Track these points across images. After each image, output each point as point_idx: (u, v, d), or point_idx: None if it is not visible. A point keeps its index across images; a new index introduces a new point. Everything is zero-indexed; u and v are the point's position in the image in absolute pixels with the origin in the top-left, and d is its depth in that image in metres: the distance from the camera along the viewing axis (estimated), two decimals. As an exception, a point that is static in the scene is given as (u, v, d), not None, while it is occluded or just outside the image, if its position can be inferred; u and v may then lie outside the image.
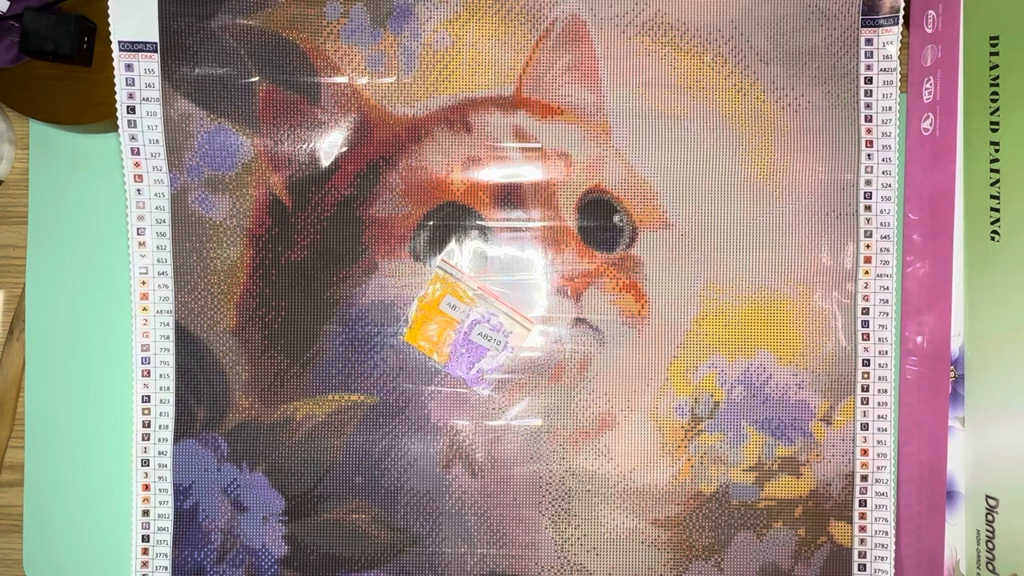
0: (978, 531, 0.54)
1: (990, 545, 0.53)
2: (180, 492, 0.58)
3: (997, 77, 0.52)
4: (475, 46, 0.58)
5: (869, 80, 0.57)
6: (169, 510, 0.58)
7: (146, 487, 0.59)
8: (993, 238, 0.53)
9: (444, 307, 0.57)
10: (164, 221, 0.58)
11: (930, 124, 0.56)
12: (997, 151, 0.53)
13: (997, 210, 0.53)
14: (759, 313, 0.58)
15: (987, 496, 0.53)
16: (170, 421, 0.58)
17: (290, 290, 0.58)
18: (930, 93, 0.56)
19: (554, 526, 0.58)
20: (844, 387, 0.58)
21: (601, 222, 0.58)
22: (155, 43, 0.57)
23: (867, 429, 0.58)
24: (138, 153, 0.57)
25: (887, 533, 0.58)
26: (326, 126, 0.57)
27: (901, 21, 0.56)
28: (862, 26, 0.57)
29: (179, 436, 0.58)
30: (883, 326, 0.58)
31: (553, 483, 0.58)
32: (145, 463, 0.59)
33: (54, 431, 0.60)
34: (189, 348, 0.58)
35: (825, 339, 0.58)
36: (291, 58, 0.57)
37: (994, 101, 0.53)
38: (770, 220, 0.58)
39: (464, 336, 0.57)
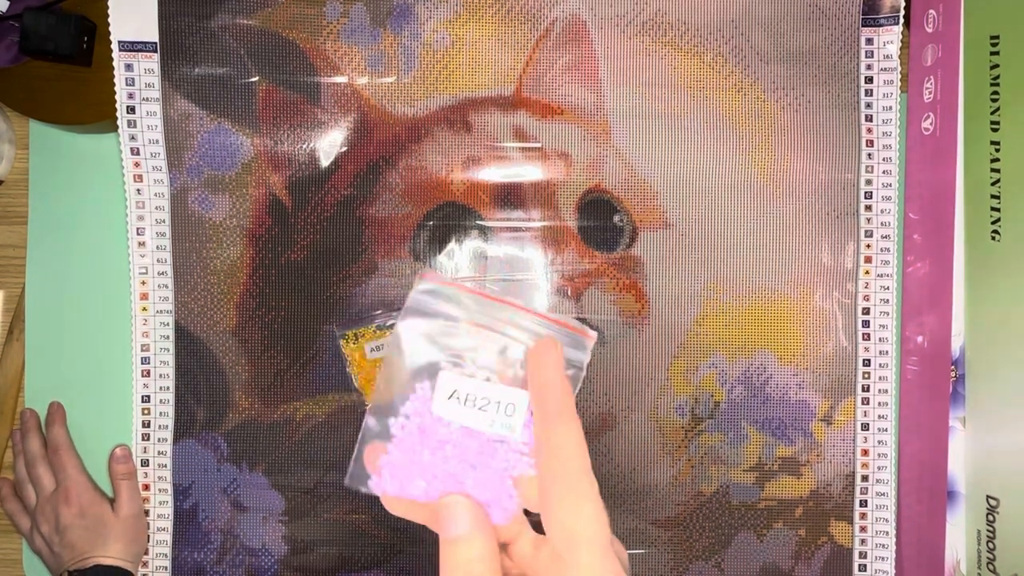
0: (979, 531, 0.54)
1: (991, 545, 0.53)
2: (180, 492, 0.58)
3: (997, 77, 0.52)
4: (475, 46, 0.58)
5: (869, 80, 0.57)
6: (169, 510, 0.58)
7: (146, 487, 0.59)
8: (993, 238, 0.53)
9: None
10: (164, 221, 0.58)
11: (930, 124, 0.56)
12: (997, 151, 0.53)
13: (997, 210, 0.53)
14: (759, 313, 0.58)
15: (988, 496, 0.53)
16: (170, 421, 0.58)
17: (290, 290, 0.58)
18: (930, 93, 0.56)
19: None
20: (844, 387, 0.58)
21: (601, 222, 0.58)
22: (155, 43, 0.57)
23: (867, 429, 0.58)
24: (138, 153, 0.57)
25: (888, 533, 0.58)
26: (326, 126, 0.57)
27: (901, 21, 0.56)
28: (862, 26, 0.57)
29: (179, 436, 0.58)
30: (884, 326, 0.58)
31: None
32: (145, 463, 0.59)
33: (54, 431, 0.60)
34: (189, 348, 0.58)
35: (826, 339, 0.58)
36: (291, 58, 0.57)
37: (994, 101, 0.53)
38: (771, 220, 0.58)
39: None
